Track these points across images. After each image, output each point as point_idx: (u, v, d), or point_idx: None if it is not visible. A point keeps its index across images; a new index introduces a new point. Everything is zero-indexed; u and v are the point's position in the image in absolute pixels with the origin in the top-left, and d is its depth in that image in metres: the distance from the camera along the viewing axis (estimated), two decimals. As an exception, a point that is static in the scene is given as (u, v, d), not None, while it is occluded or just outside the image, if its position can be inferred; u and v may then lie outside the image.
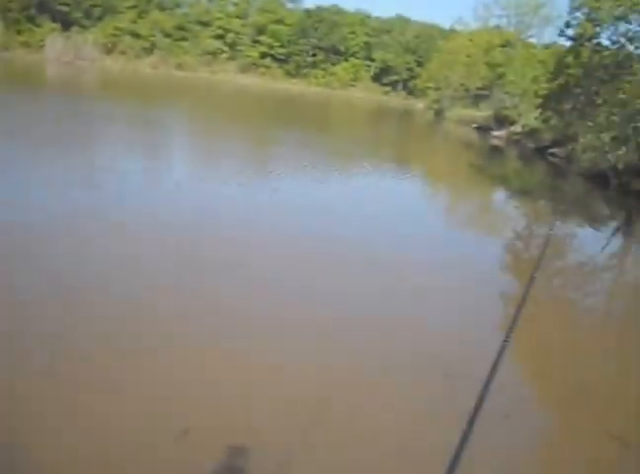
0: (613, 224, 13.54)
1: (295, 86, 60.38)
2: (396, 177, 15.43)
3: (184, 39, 59.28)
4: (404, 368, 4.67)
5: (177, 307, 5.19)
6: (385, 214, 10.49)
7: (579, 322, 6.84)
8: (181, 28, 59.26)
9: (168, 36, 57.85)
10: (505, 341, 1.79)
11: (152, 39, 56.85)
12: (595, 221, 13.26)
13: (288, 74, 63.13)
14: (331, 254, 7.41)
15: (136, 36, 55.92)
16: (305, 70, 63.74)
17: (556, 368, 5.29)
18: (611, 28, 17.07)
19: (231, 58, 61.11)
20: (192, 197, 9.54)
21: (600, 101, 16.36)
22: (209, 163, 13.43)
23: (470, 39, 44.73)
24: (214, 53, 60.09)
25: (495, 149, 27.63)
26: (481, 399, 1.48)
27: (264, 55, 61.95)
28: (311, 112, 37.54)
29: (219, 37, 60.79)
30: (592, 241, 11.10)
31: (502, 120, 30.92)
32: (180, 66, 56.23)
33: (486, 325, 5.87)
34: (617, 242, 11.79)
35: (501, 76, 35.51)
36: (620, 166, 16.79)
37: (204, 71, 57.03)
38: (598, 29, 17.38)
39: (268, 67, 62.11)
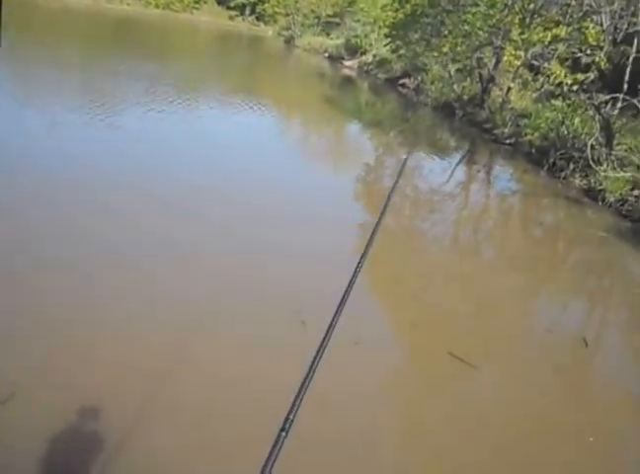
0: (459, 154, 14.13)
1: (131, 7, 54.30)
2: (251, 110, 14.62)
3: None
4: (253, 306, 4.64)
5: None
6: (242, 150, 10.20)
7: (427, 249, 7.21)
8: None
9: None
10: (356, 269, 1.78)
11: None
12: (442, 151, 13.69)
13: (122, -7, 56.44)
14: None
15: None
16: (142, -11, 57.46)
17: (406, 295, 5.62)
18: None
19: (52, -28, 53.03)
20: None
21: (445, 31, 16.53)
22: (60, 101, 11.33)
23: (319, -39, 43.14)
24: (30, -35, 51.60)
25: (347, 80, 27.43)
26: (330, 327, 1.53)
27: (91, -31, 54.51)
28: (154, 37, 34.30)
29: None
30: (439, 171, 11.48)
31: (353, 50, 30.60)
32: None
33: (338, 254, 5.80)
34: (462, 170, 12.36)
35: (352, 3, 34.93)
36: (465, 97, 17.42)
37: (19, -14, 48.77)
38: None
39: (97, -16, 54.90)
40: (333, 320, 1.55)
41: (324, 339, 1.45)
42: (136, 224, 5.86)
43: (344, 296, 1.69)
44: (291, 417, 1.25)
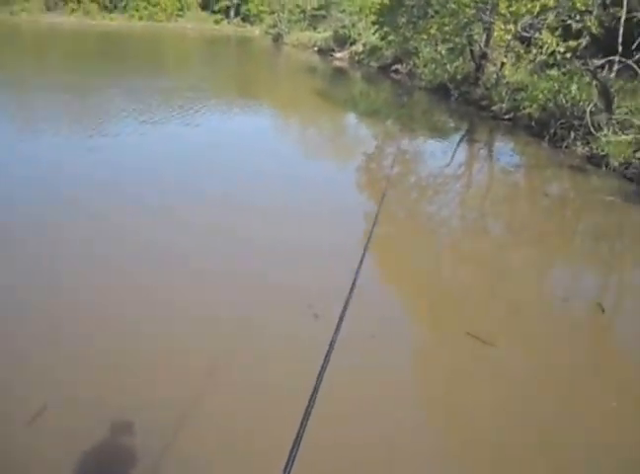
0: (458, 134, 14.06)
1: (115, 22, 54.27)
2: (245, 111, 14.88)
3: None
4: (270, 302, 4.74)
5: None
6: (240, 147, 10.52)
7: (436, 231, 7.19)
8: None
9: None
10: (360, 260, 2.11)
11: None
12: (441, 133, 13.66)
13: (104, 9, 56.07)
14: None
15: None
16: (123, 2, 57.16)
17: (420, 278, 5.62)
18: None
19: (33, -6, 52.79)
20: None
21: (432, 12, 16.43)
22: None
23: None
24: (10, -11, 51.42)
25: (339, 71, 27.36)
26: (341, 319, 1.73)
27: (72, -12, 54.32)
28: (142, 49, 34.30)
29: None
30: (441, 153, 11.45)
31: (342, 41, 30.47)
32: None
33: (343, 245, 5.85)
34: (464, 150, 12.32)
35: (336, -6, 34.84)
36: (459, 77, 17.33)
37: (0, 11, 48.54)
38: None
39: (79, 2, 54.64)
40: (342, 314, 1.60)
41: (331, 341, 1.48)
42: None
43: (352, 287, 1.81)
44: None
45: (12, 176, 7.76)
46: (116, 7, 56.40)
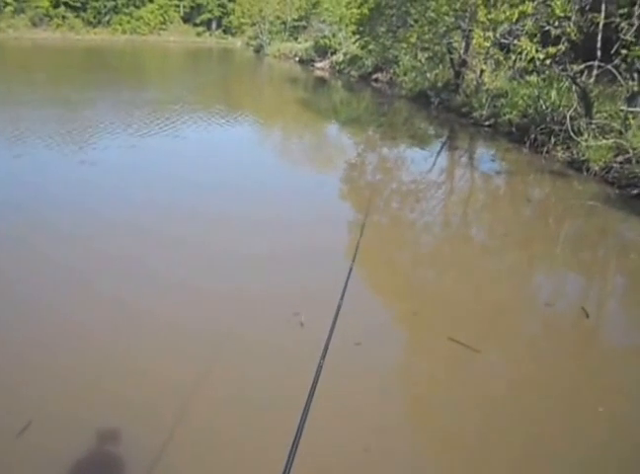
0: (439, 141, 14.02)
1: (99, 36, 54.36)
2: (231, 122, 14.86)
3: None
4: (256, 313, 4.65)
5: None
6: (227, 159, 10.63)
7: (419, 238, 7.14)
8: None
9: None
10: (349, 270, 2.15)
11: None
12: (422, 141, 13.63)
13: (89, 24, 56.29)
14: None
15: None
16: (107, 17, 57.32)
17: (403, 285, 5.59)
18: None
19: (19, 11, 52.63)
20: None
21: (411, 21, 16.46)
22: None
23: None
24: (-5, 6, 51.25)
25: (321, 81, 27.39)
26: (331, 330, 1.79)
27: (56, 4, 54.26)
28: (127, 63, 34.32)
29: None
30: (422, 160, 11.41)
31: (323, 51, 30.55)
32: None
33: (330, 254, 5.82)
34: (445, 157, 12.29)
35: (316, 4, 34.93)
36: (439, 84, 17.34)
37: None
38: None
39: (64, 17, 54.70)
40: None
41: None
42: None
43: (342, 295, 1.89)
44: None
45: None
46: (99, 22, 56.55)
